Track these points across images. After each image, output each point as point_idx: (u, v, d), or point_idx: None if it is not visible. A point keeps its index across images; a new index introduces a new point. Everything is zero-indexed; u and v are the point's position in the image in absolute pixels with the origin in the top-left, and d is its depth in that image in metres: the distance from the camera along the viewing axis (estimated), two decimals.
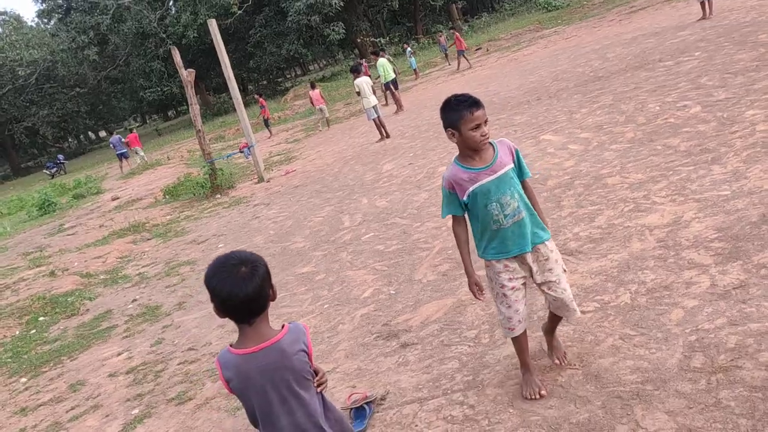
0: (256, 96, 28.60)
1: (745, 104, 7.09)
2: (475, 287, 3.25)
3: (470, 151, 3.10)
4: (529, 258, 3.17)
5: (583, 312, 3.91)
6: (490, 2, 59.98)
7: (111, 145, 27.25)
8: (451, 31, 28.91)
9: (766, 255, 3.86)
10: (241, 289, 2.12)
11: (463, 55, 24.95)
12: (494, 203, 3.06)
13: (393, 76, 18.45)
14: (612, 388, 3.11)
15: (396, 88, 18.69)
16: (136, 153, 25.96)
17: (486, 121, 3.04)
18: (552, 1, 40.41)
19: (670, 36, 14.21)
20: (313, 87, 21.90)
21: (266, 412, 2.24)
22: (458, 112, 3.03)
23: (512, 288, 3.18)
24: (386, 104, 17.74)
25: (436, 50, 31.84)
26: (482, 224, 3.15)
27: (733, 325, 3.30)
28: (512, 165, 3.13)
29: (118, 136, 26.78)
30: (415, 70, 27.80)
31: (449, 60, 28.13)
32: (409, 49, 29.94)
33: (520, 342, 3.33)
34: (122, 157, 25.38)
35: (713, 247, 4.19)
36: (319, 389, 2.36)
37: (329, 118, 20.76)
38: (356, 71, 15.20)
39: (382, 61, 18.39)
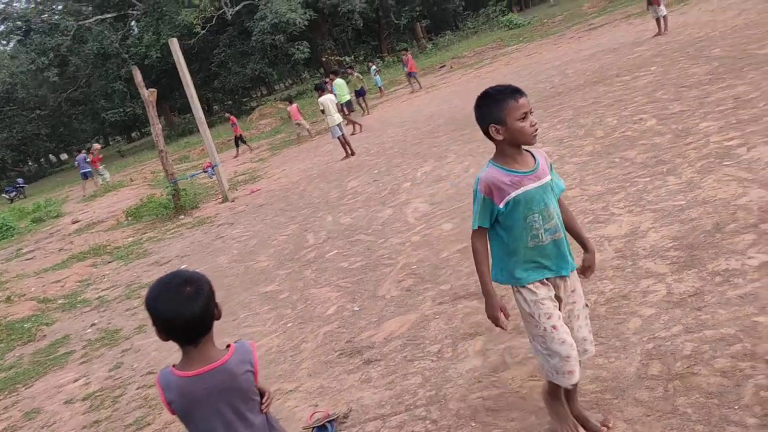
0: (226, 114, 28.37)
1: (699, 116, 7.27)
2: (498, 311, 2.73)
3: (515, 149, 2.68)
4: (562, 286, 2.76)
5: None
6: (453, 21, 60.80)
7: (76, 163, 26.72)
8: (403, 52, 28.32)
9: (720, 263, 3.92)
10: (186, 309, 2.06)
11: (414, 77, 25.04)
12: (536, 214, 2.64)
13: (348, 97, 18.46)
14: None
15: (351, 110, 18.66)
16: (99, 174, 25.44)
17: (531, 111, 2.65)
18: (514, 20, 41.17)
19: (627, 52, 14.54)
20: (290, 102, 21.79)
21: None
22: (501, 102, 2.62)
23: (559, 317, 2.70)
24: (347, 124, 17.81)
25: (401, 68, 31.94)
26: (515, 241, 2.69)
27: (689, 332, 3.34)
28: (551, 177, 2.73)
29: (84, 154, 26.25)
30: (380, 88, 27.95)
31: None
32: (374, 67, 30.14)
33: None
34: (85, 176, 24.87)
35: (669, 256, 4.25)
36: (264, 410, 2.30)
37: (310, 131, 20.71)
38: (321, 89, 15.21)
39: (339, 82, 18.41)
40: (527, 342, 3.76)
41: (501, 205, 2.64)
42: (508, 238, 2.71)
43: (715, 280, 3.75)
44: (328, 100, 14.39)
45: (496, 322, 2.76)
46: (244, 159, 21.07)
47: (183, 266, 8.78)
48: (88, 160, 25.41)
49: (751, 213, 4.44)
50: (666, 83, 9.63)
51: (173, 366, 2.17)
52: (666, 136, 6.95)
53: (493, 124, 2.65)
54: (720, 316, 3.38)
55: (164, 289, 2.09)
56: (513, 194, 2.62)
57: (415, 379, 3.84)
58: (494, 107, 2.64)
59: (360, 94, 21.86)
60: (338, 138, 13.94)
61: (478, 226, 2.71)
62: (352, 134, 16.61)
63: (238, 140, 22.80)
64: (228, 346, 2.21)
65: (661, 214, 4.97)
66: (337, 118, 14.10)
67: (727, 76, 8.75)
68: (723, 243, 4.16)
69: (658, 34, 15.21)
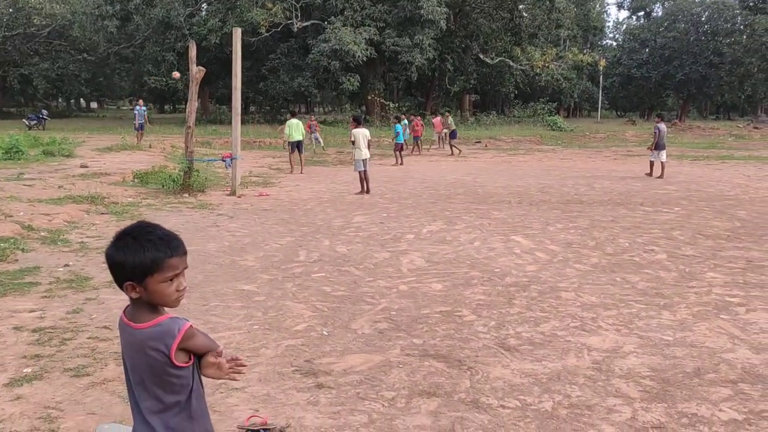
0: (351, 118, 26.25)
1: (709, 266, 7.31)
2: None
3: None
4: None
5: (503, 407, 3.87)
6: (501, 105, 61.87)
7: (135, 113, 27.25)
8: (412, 117, 27.98)
9: (691, 405, 3.88)
10: (108, 251, 2.05)
11: (417, 142, 25.79)
12: None
13: (299, 138, 18.86)
14: None
15: (300, 151, 18.98)
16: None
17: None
18: (558, 122, 41.86)
19: (656, 186, 14.74)
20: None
21: (127, 384, 2.13)
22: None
23: None
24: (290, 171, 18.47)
25: (431, 131, 32.02)
26: None
27: None
28: None
29: (141, 108, 27.10)
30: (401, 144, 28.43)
31: (442, 143, 28.83)
32: (404, 121, 30.50)
33: None
34: (141, 128, 26.06)
35: (643, 383, 4.21)
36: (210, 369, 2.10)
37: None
38: (357, 121, 15.39)
39: (293, 122, 18.97)
40: (480, 419, 3.71)
41: None
42: None
43: (681, 421, 3.71)
44: (360, 133, 14.51)
45: None
46: (263, 163, 21.18)
47: None
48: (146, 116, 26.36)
49: (734, 369, 4.42)
50: (685, 226, 9.71)
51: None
52: (672, 273, 6.98)
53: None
54: None
55: (130, 228, 2.09)
56: None
57: (361, 417, 3.77)
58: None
59: (452, 136, 25.72)
60: (359, 172, 14.02)
61: None
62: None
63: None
64: (162, 316, 2.03)
65: (647, 342, 4.94)
66: (365, 153, 14.19)
67: (745, 238, 8.83)
68: (699, 388, 4.13)
69: (650, 175, 16.37)
